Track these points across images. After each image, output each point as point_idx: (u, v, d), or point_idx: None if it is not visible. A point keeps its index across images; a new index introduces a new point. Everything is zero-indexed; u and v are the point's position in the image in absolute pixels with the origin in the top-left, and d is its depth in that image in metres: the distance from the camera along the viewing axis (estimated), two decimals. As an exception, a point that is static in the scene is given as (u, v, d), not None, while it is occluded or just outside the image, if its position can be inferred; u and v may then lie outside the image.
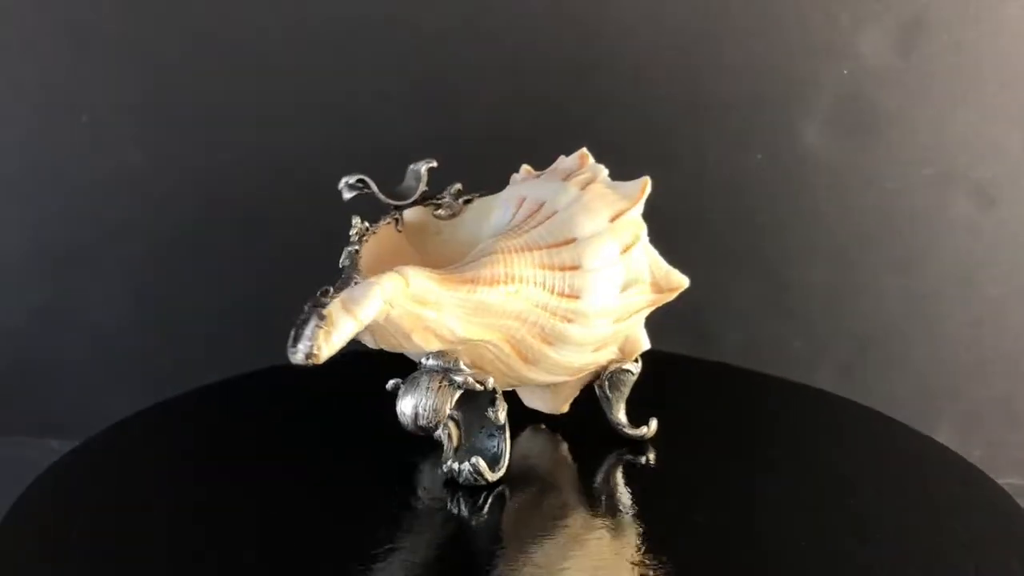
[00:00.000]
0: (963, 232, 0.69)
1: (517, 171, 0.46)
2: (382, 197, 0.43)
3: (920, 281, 0.70)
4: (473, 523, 0.40)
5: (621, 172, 0.70)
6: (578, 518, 0.40)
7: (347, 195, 0.43)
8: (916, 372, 0.72)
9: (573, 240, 0.40)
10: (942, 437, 0.49)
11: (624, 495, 0.42)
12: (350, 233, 0.42)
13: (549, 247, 0.39)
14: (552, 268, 0.39)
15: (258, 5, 0.68)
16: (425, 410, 0.39)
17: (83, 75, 0.70)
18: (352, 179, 0.42)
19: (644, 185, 0.42)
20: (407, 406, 0.39)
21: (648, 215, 0.72)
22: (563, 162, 0.45)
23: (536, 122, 0.69)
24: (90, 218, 0.73)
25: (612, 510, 0.41)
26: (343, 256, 0.41)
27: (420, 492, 0.42)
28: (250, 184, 0.71)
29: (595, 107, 0.69)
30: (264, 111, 0.70)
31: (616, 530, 0.39)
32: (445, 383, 0.40)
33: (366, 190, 0.42)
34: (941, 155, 0.68)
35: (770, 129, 0.68)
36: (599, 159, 0.69)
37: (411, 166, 0.45)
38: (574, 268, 0.39)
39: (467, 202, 0.45)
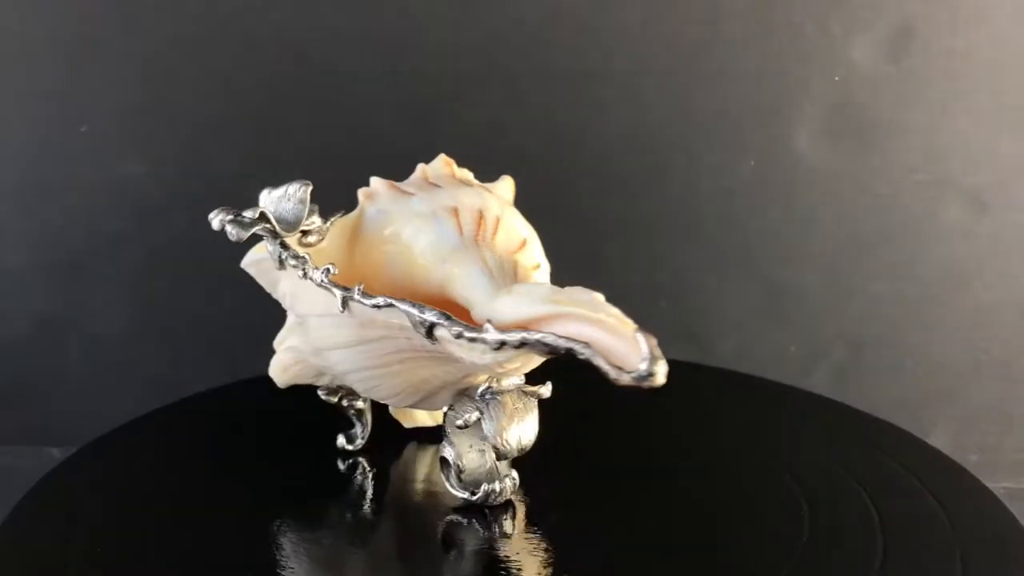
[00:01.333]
0: (956, 238, 0.70)
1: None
2: (280, 230, 0.39)
3: (913, 286, 0.71)
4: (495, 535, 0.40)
5: (616, 178, 0.70)
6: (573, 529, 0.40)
7: (239, 235, 0.39)
8: (910, 377, 0.72)
9: (525, 240, 0.40)
10: (937, 441, 0.49)
11: (616, 497, 0.42)
12: (324, 276, 0.38)
13: (518, 251, 0.39)
14: (531, 270, 0.39)
15: (257, 15, 0.69)
16: (526, 432, 0.39)
17: (82, 84, 0.70)
18: (251, 214, 0.39)
19: (512, 183, 0.43)
20: (506, 433, 0.38)
21: (643, 221, 0.73)
22: (434, 169, 0.42)
23: (529, 129, 0.69)
24: (89, 227, 0.73)
25: (604, 513, 0.41)
26: (338, 301, 0.37)
27: (425, 504, 0.42)
28: (250, 193, 0.71)
29: (588, 114, 0.69)
30: (263, 120, 0.70)
31: (602, 533, 0.39)
32: (526, 400, 0.39)
33: (266, 225, 0.39)
34: (933, 161, 0.68)
35: (763, 136, 0.69)
36: (593, 166, 0.70)
37: (272, 191, 0.40)
38: (538, 267, 0.40)
39: (331, 225, 0.41)
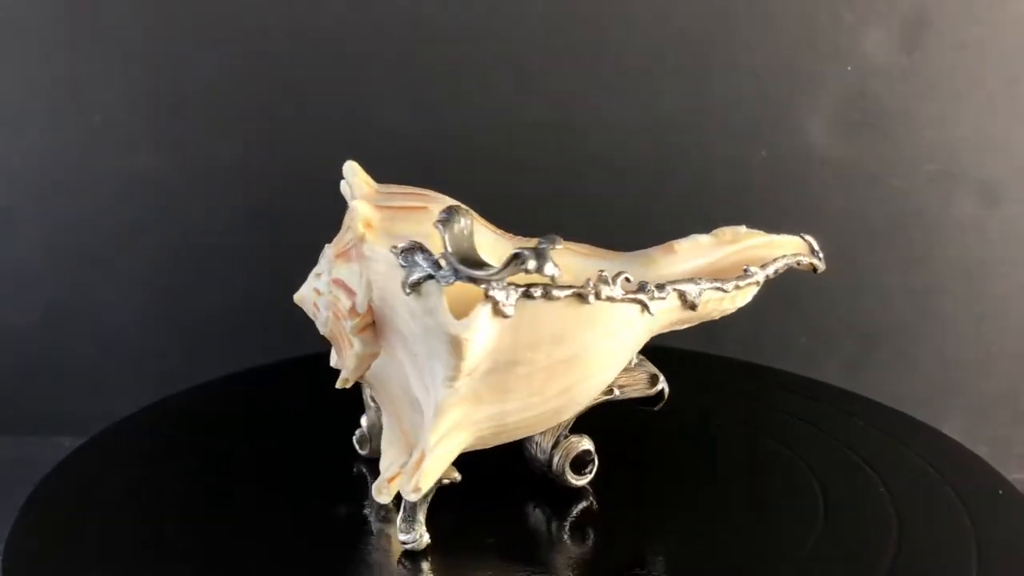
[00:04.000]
0: (967, 229, 0.69)
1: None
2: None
3: (925, 278, 0.71)
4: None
5: (627, 169, 0.70)
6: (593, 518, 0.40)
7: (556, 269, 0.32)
8: (921, 369, 0.72)
9: None
10: (948, 433, 0.49)
11: (629, 484, 0.42)
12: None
13: None
14: None
15: (270, 7, 0.69)
16: None
17: (96, 75, 0.70)
18: (545, 243, 0.32)
19: None
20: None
21: (654, 212, 0.72)
22: (369, 179, 0.40)
23: (541, 120, 0.69)
24: (103, 218, 0.73)
25: (617, 494, 0.41)
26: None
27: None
28: (263, 184, 0.72)
29: (600, 105, 0.69)
30: (278, 112, 0.70)
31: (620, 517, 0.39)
32: None
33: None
34: (945, 153, 0.68)
35: (775, 126, 0.68)
36: (607, 157, 0.70)
37: (447, 227, 0.33)
38: None
39: None
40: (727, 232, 0.40)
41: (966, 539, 0.38)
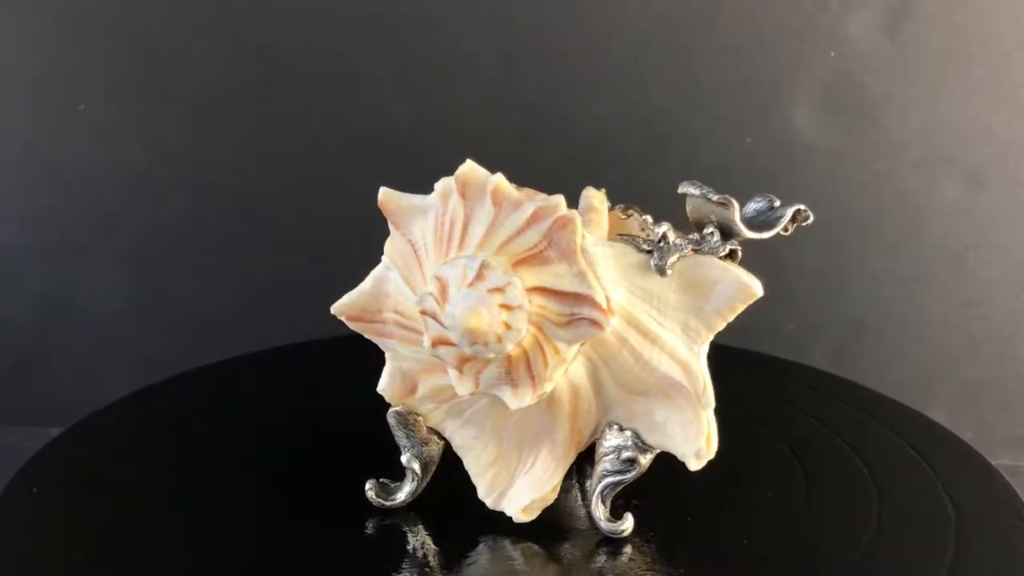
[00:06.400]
0: (952, 214, 0.70)
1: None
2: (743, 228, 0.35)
3: (910, 264, 0.71)
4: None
5: (612, 156, 0.70)
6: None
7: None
8: (907, 354, 0.73)
9: None
10: (933, 418, 0.49)
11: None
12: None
13: None
14: None
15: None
16: None
17: (79, 62, 0.70)
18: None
19: None
20: None
21: (640, 201, 0.72)
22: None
23: (527, 107, 0.69)
24: (88, 207, 0.73)
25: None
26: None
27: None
28: (249, 174, 0.72)
29: (586, 93, 0.69)
30: (264, 101, 0.70)
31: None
32: None
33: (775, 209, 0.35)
34: (930, 138, 0.68)
35: (760, 112, 0.69)
36: (593, 144, 0.70)
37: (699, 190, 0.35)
38: None
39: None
40: (595, 197, 0.40)
41: (945, 516, 0.38)
